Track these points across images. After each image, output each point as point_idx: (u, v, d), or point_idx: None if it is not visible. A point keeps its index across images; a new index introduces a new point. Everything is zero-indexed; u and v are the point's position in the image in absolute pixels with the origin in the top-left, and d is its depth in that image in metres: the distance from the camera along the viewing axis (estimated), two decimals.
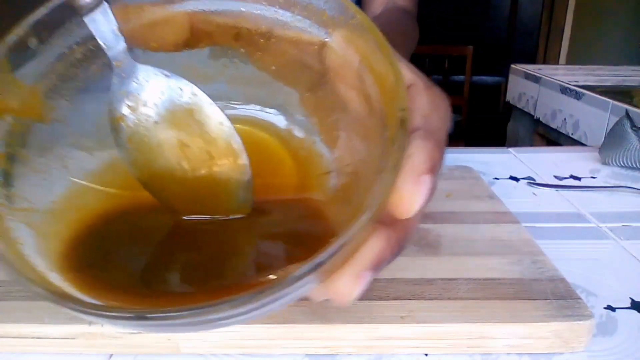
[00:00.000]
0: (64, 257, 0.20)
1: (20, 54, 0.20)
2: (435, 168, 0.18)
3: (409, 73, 0.20)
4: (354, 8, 0.21)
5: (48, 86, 0.22)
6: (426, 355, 0.27)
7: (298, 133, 0.27)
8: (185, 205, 0.24)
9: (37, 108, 0.21)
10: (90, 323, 0.27)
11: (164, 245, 0.24)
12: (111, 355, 0.28)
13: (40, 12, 0.21)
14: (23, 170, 0.21)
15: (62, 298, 0.16)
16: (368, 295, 0.29)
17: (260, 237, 0.24)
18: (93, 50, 0.22)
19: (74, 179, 0.23)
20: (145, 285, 0.21)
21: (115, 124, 0.23)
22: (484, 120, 2.63)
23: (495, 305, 0.28)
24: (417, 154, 0.17)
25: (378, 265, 0.17)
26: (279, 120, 0.27)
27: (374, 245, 0.17)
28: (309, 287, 0.17)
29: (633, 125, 0.56)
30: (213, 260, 0.22)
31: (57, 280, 0.19)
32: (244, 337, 0.27)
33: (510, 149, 0.64)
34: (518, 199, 0.48)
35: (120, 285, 0.20)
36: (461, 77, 2.03)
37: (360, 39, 0.21)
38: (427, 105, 0.20)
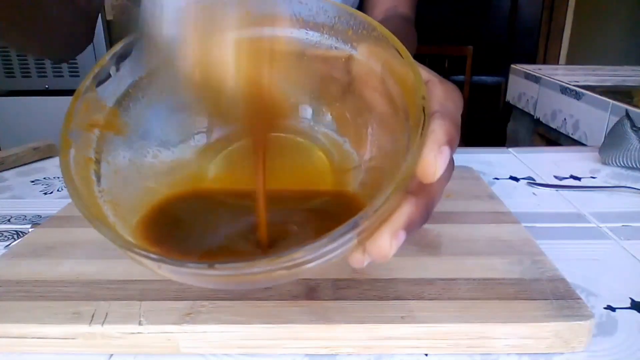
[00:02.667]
0: (141, 234, 0.25)
1: (103, 81, 0.26)
2: (452, 142, 0.21)
3: (425, 72, 0.24)
4: (374, 23, 0.25)
5: (124, 106, 0.27)
6: (426, 355, 0.27)
7: (330, 136, 0.31)
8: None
9: (116, 124, 0.26)
10: (90, 323, 0.27)
11: (224, 221, 0.28)
12: (111, 355, 0.28)
13: (118, 46, 0.26)
14: (107, 172, 0.26)
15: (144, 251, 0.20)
16: (368, 295, 0.29)
17: (303, 219, 0.28)
18: (156, 77, 0.28)
19: (146, 182, 0.28)
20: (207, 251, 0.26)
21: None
22: (484, 120, 2.63)
23: (495, 305, 0.28)
24: (437, 130, 0.21)
25: (410, 226, 0.20)
26: (312, 127, 0.31)
27: (405, 209, 0.20)
28: (351, 243, 0.20)
29: (633, 125, 0.56)
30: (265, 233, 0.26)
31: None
32: (244, 337, 0.27)
33: (510, 149, 0.64)
34: (518, 199, 0.48)
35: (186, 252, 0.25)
36: (461, 77, 2.03)
37: (381, 48, 0.25)
38: (442, 94, 0.23)
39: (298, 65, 0.29)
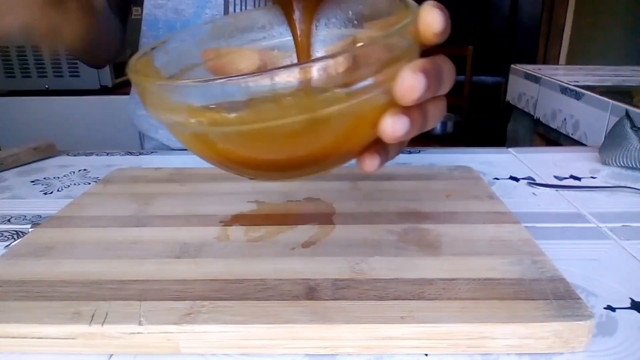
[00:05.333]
0: None
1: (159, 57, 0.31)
2: (428, 73, 0.22)
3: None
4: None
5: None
6: (426, 355, 0.27)
7: None
8: None
9: None
10: (90, 323, 0.27)
11: None
12: (111, 355, 0.28)
13: (168, 39, 0.31)
14: None
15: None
16: (368, 295, 0.29)
17: None
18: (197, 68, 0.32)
19: None
20: None
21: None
22: (484, 120, 2.63)
23: (495, 305, 0.28)
24: (417, 61, 0.23)
25: (427, 72, 0.22)
26: None
27: (419, 61, 0.23)
28: (369, 80, 0.22)
29: (633, 125, 0.56)
30: None
31: None
32: (244, 337, 0.27)
33: (510, 149, 0.64)
34: (518, 199, 0.48)
35: None
36: (461, 77, 2.03)
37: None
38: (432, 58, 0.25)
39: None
